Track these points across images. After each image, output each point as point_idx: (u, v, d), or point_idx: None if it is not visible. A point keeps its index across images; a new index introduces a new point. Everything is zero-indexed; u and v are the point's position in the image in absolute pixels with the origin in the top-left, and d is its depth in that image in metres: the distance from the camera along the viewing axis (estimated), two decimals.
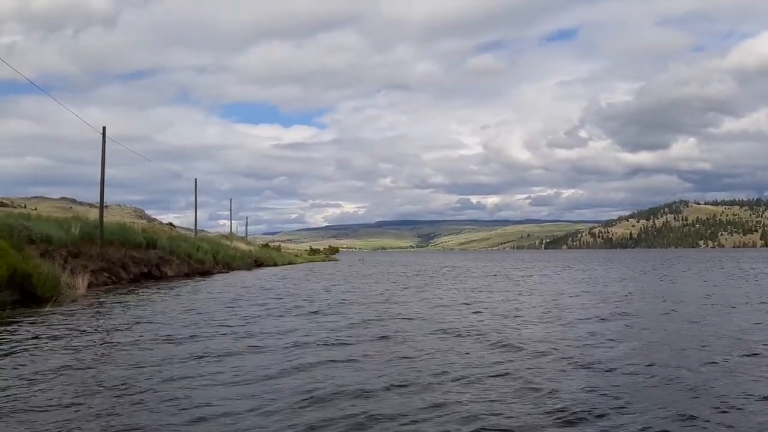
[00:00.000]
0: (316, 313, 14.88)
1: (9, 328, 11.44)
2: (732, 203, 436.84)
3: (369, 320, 13.31)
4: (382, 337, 10.76)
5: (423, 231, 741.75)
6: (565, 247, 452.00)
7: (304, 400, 6.37)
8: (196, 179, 50.30)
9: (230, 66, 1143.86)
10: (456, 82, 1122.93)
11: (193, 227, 50.10)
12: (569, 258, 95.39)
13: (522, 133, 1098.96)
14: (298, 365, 8.17)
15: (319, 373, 7.73)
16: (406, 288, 25.13)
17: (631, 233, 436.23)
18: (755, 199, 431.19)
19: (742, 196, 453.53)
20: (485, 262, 70.01)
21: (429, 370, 7.84)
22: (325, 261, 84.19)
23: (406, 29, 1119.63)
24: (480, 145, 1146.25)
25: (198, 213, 49.67)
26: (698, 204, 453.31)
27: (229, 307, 16.21)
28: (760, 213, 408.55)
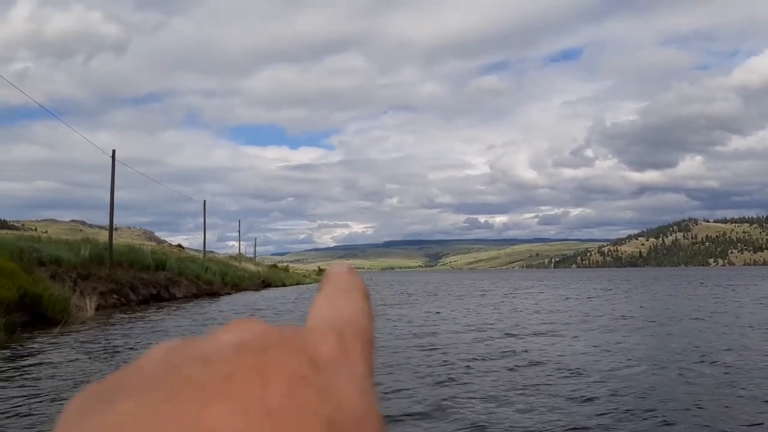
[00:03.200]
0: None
1: (19, 347, 11.53)
2: (741, 221, 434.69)
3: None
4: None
5: (431, 251, 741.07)
6: (574, 266, 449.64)
7: None
8: (204, 201, 50.69)
9: (238, 89, 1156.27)
10: (461, 103, 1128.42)
11: (202, 249, 50.37)
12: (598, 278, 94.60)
13: (528, 153, 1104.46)
14: None
15: None
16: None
17: (640, 252, 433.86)
18: (765, 217, 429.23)
19: (751, 213, 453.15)
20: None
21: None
22: None
23: (411, 51, 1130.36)
24: (486, 164, 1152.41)
25: (207, 234, 50.00)
26: (707, 222, 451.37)
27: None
28: None
